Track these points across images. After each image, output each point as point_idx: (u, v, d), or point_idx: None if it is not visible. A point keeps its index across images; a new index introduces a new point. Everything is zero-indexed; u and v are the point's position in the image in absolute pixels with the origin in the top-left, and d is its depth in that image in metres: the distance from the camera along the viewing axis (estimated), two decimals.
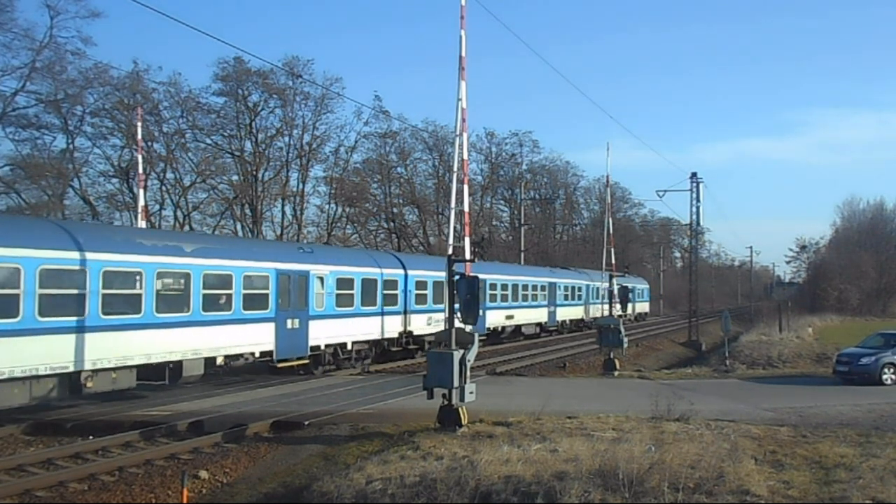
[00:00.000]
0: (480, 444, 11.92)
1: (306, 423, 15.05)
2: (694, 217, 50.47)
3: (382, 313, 25.37)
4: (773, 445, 12.33)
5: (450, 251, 14.22)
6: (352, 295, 23.73)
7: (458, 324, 13.66)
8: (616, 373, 25.70)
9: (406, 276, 27.02)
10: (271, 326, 20.27)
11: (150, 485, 11.41)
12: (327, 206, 54.46)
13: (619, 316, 27.98)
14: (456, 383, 13.37)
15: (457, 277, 13.85)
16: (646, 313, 67.21)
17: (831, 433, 13.50)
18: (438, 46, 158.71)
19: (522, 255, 54.32)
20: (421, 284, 27.86)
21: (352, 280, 23.78)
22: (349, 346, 23.86)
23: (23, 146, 39.22)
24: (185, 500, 9.21)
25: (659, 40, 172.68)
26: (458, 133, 14.60)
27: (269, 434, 14.57)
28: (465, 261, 14.35)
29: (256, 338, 19.83)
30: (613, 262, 27.88)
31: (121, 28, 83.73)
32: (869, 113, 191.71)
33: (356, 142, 55.18)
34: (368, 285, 24.62)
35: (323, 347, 22.64)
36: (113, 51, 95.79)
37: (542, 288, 42.04)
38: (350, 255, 27.98)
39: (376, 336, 25.12)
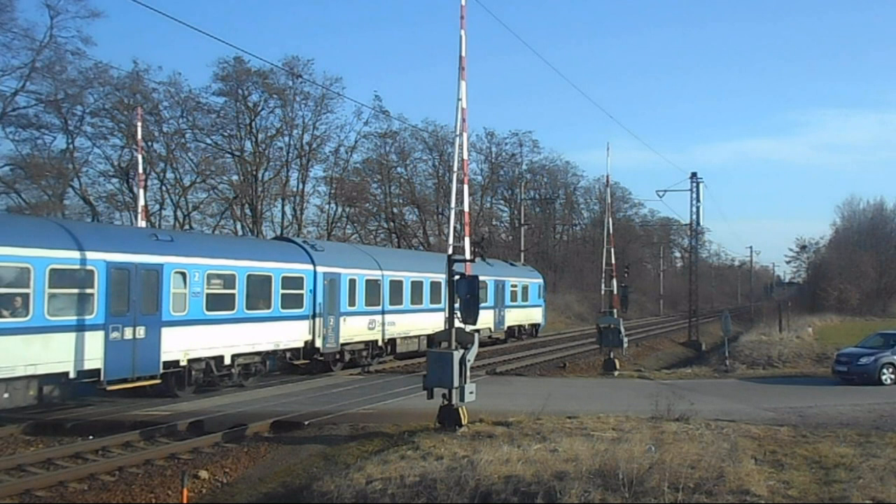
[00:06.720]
0: (480, 444, 11.92)
1: (306, 423, 15.07)
2: (694, 217, 50.44)
3: None
4: (773, 445, 12.34)
5: (450, 251, 14.21)
6: None
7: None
8: (616, 373, 25.72)
9: None
10: None
11: (150, 485, 11.42)
12: (327, 206, 54.59)
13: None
14: (456, 383, 13.39)
15: (458, 278, 13.85)
16: (538, 325, 40.42)
17: (831, 433, 13.52)
18: (438, 46, 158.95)
19: (523, 255, 54.30)
20: None
21: None
22: None
23: (23, 146, 39.41)
24: (185, 500, 9.21)
25: (659, 40, 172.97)
26: (458, 133, 14.61)
27: (269, 434, 14.58)
28: None
29: None
30: (613, 262, 27.88)
31: (121, 28, 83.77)
32: (869, 113, 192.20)
33: (356, 142, 55.37)
34: None
35: None
36: (113, 51, 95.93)
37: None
38: None
39: None
